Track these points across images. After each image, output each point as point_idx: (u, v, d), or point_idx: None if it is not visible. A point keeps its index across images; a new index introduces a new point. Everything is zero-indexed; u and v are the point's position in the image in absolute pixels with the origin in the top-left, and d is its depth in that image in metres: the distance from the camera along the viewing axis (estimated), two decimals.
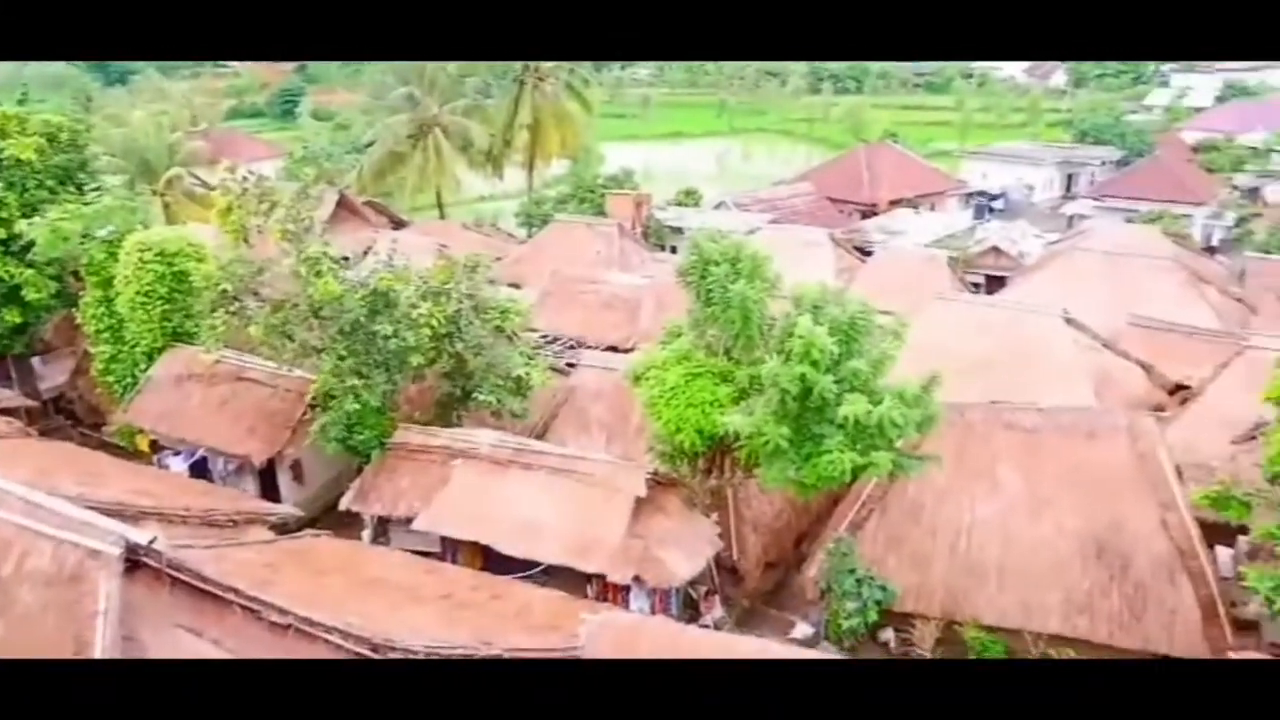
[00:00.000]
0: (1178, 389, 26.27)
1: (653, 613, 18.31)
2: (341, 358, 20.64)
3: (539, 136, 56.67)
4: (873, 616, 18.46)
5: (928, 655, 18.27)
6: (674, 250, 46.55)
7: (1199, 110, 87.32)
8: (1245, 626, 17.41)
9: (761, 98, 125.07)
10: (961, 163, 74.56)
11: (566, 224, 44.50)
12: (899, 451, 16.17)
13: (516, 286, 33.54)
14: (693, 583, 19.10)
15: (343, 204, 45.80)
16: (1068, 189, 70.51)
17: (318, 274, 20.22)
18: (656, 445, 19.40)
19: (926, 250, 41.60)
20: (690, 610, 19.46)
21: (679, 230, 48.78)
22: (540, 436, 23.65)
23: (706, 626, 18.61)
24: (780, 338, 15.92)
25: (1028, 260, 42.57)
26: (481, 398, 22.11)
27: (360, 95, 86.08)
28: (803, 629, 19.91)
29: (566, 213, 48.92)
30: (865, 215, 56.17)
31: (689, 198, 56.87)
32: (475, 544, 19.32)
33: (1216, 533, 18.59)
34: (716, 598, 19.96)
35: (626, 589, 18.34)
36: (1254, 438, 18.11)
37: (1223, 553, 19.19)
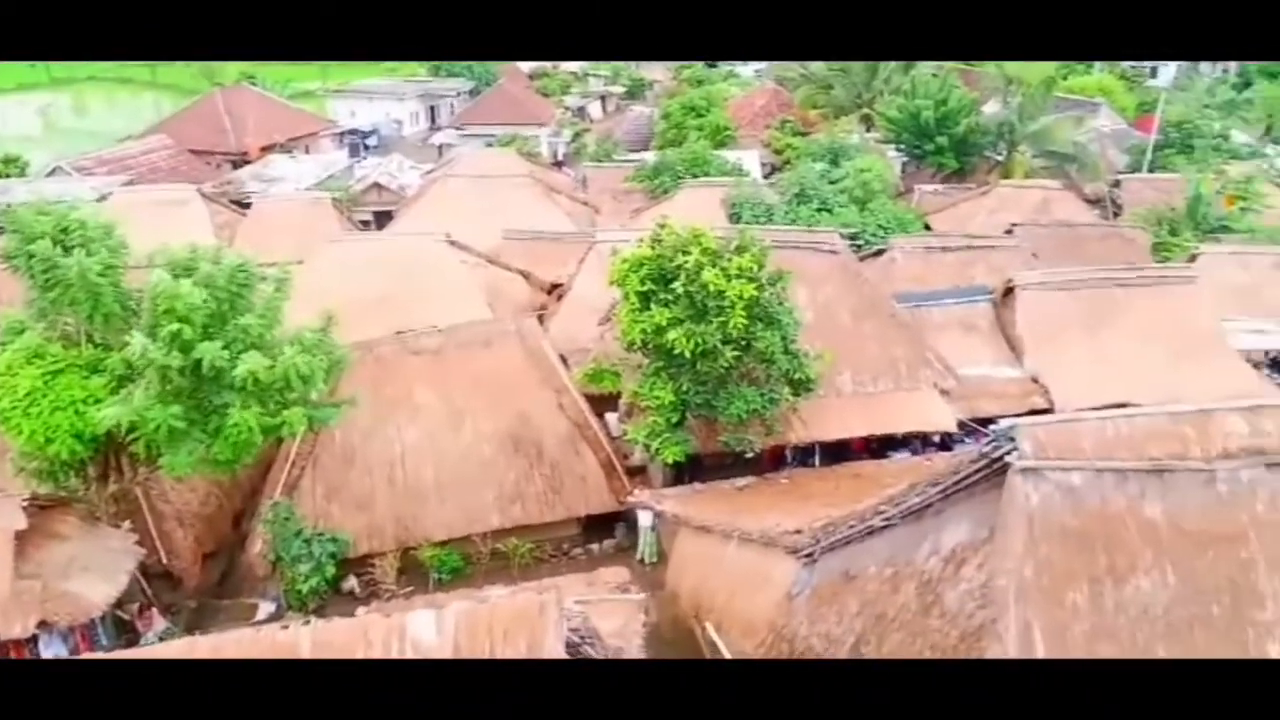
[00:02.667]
0: (554, 288, 29.94)
1: (76, 653, 15.64)
2: None
3: None
4: (330, 571, 18.21)
5: (394, 589, 18.67)
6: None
7: None
8: (636, 472, 20.99)
9: None
10: (327, 102, 73.69)
11: None
12: (313, 403, 15.79)
13: None
14: (120, 603, 16.71)
15: None
16: (433, 120, 74.30)
17: None
18: (25, 464, 16.18)
19: (309, 194, 40.62)
20: (127, 634, 17.07)
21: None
22: None
23: (150, 644, 16.53)
24: (150, 308, 14.15)
25: (409, 192, 44.18)
26: None
27: None
28: (265, 607, 18.91)
29: None
30: (237, 165, 52.60)
31: (9, 166, 47.20)
32: None
33: (603, 402, 21.87)
34: (154, 610, 17.80)
35: (34, 639, 15.33)
36: (610, 318, 21.42)
37: (611, 418, 22.68)
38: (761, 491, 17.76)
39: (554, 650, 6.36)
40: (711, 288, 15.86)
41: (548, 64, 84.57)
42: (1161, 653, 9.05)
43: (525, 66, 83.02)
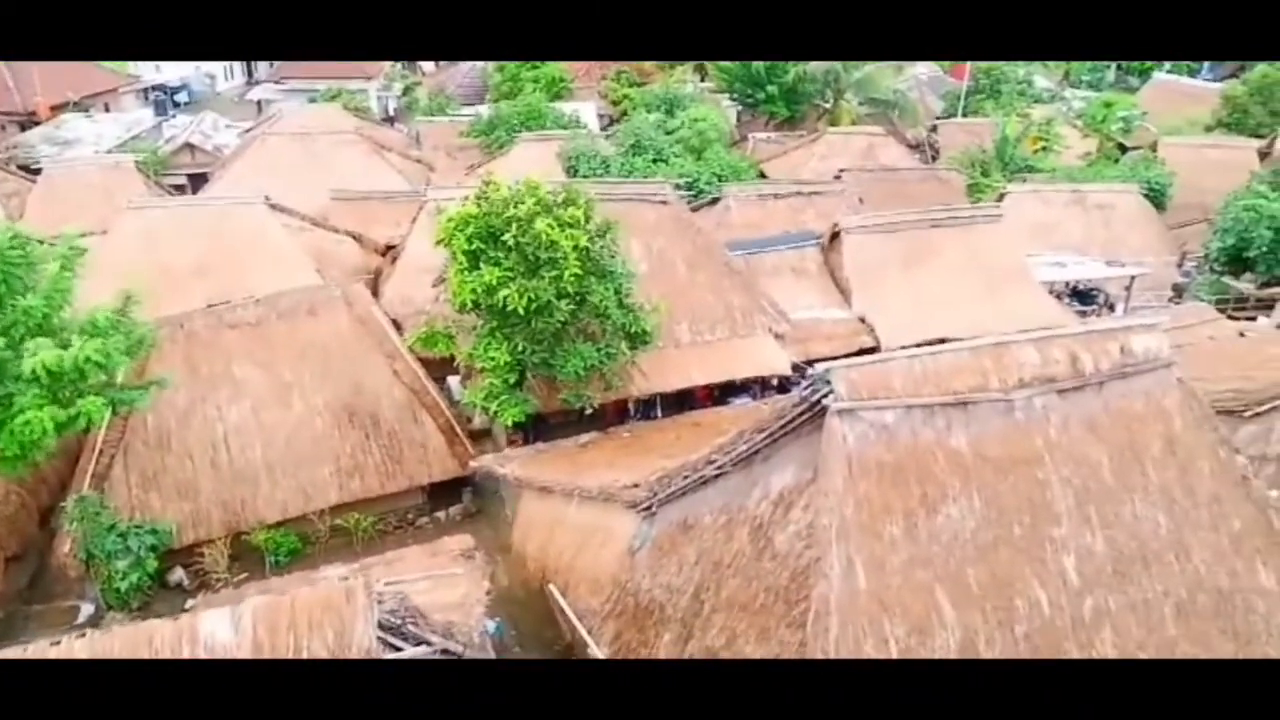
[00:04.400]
0: (387, 250, 28.77)
1: None
2: None
3: None
4: (152, 565, 16.99)
5: (227, 578, 17.68)
6: None
7: None
8: (480, 436, 20.58)
9: None
10: None
11: None
12: (116, 388, 14.55)
13: None
14: None
15: None
16: (249, 75, 69.68)
17: None
18: None
19: (110, 157, 37.37)
20: None
21: None
22: None
23: None
24: None
25: (225, 153, 41.40)
26: None
27: None
28: (85, 609, 17.53)
29: None
30: (24, 127, 47.76)
31: None
32: None
33: (443, 366, 21.23)
34: None
35: None
36: (443, 279, 20.71)
37: (453, 382, 22.10)
38: (604, 447, 17.77)
39: (365, 638, 6.05)
40: (544, 238, 15.52)
41: None
42: (971, 574, 9.62)
43: None
